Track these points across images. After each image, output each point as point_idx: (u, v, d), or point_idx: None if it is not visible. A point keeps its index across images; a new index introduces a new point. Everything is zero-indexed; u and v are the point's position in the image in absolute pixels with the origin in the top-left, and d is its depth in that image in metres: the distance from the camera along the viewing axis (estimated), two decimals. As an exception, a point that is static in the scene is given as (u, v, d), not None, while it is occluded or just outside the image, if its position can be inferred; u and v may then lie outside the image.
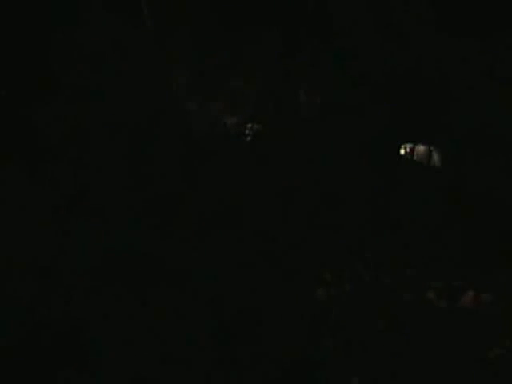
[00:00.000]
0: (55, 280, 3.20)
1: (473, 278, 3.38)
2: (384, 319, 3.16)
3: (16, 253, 3.20)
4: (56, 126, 3.57)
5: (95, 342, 2.97)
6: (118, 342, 2.98)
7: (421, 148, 3.97)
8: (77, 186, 3.45)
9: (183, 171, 3.75)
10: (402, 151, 4.00)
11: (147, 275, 3.30)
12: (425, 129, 3.93)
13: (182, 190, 3.65)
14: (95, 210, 3.41)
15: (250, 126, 4.01)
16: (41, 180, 3.43)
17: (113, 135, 3.65)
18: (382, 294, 3.35)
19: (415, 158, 3.98)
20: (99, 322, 3.05)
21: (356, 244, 3.62)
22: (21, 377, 2.82)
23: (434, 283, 3.42)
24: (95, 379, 2.82)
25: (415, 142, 3.98)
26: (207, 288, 3.28)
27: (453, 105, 3.81)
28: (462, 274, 3.42)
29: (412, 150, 3.99)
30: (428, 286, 3.41)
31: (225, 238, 3.51)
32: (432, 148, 3.95)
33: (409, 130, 3.95)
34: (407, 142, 3.99)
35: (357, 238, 3.65)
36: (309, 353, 2.96)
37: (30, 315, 3.03)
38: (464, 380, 2.91)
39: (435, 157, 3.94)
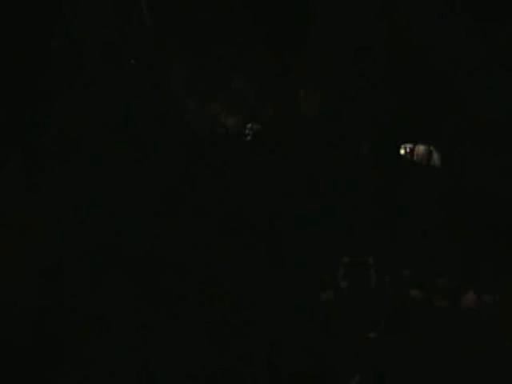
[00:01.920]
0: (56, 276, 3.20)
1: (473, 278, 3.39)
2: (385, 319, 3.17)
3: (16, 250, 3.20)
4: (55, 125, 3.57)
5: (95, 338, 2.97)
6: (118, 338, 2.99)
7: (421, 148, 3.97)
8: (77, 186, 3.45)
9: (183, 171, 3.74)
10: (402, 151, 4.00)
11: (148, 271, 3.31)
12: (425, 129, 3.93)
13: (182, 189, 3.64)
14: (97, 208, 3.41)
15: (249, 126, 4.00)
16: (41, 180, 3.42)
17: (112, 135, 3.65)
18: (382, 295, 3.35)
19: (415, 158, 3.98)
20: (99, 317, 3.06)
21: (356, 244, 3.62)
22: (19, 372, 2.82)
23: (434, 283, 3.42)
24: (94, 375, 2.83)
25: (415, 142, 3.98)
26: (208, 288, 3.28)
27: (453, 98, 3.81)
28: (462, 273, 3.42)
29: (412, 150, 3.98)
30: (428, 285, 3.41)
31: (225, 238, 3.51)
32: (432, 148, 3.94)
33: (409, 130, 3.95)
34: (407, 142, 3.99)
35: (357, 237, 3.65)
36: (310, 352, 2.97)
37: (30, 311, 3.03)
38: (464, 380, 2.91)
39: (435, 157, 3.93)
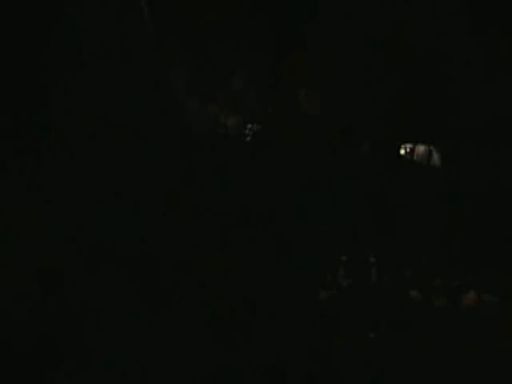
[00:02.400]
0: (55, 275, 3.20)
1: (473, 277, 3.39)
2: (385, 319, 3.17)
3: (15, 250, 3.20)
4: (54, 125, 3.57)
5: (92, 338, 2.97)
6: (118, 337, 2.98)
7: (421, 148, 3.97)
8: (76, 184, 3.45)
9: (183, 170, 3.74)
10: (402, 151, 4.00)
11: (148, 270, 3.30)
12: (425, 129, 3.93)
13: (182, 188, 3.64)
14: (96, 206, 3.41)
15: (249, 126, 4.00)
16: (40, 179, 3.42)
17: (112, 134, 3.65)
18: (382, 294, 3.35)
19: (415, 158, 3.98)
20: (96, 316, 3.06)
21: (356, 244, 3.62)
22: (18, 372, 2.81)
23: (434, 283, 3.42)
24: (93, 375, 2.82)
25: (415, 142, 3.98)
26: (208, 287, 3.28)
27: (453, 96, 3.81)
28: (463, 273, 3.42)
29: (412, 150, 3.98)
30: (428, 285, 3.41)
31: (225, 238, 3.51)
32: (432, 148, 3.94)
33: (409, 130, 3.95)
34: (407, 141, 3.99)
35: (357, 237, 3.65)
36: (310, 352, 2.96)
37: (28, 310, 3.03)
38: (464, 380, 2.91)
39: (435, 157, 3.93)
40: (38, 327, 2.98)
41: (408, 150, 3.98)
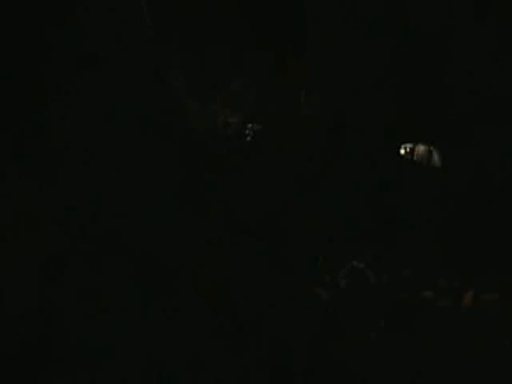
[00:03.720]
0: (56, 271, 3.21)
1: (473, 277, 3.39)
2: (384, 319, 3.17)
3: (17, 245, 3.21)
4: (56, 126, 3.58)
5: (87, 340, 2.97)
6: (119, 336, 2.99)
7: (421, 148, 3.97)
8: (79, 183, 3.46)
9: (183, 170, 3.75)
10: (402, 151, 4.00)
11: (149, 270, 3.31)
12: (425, 128, 3.94)
13: (182, 188, 3.65)
14: (98, 205, 3.42)
15: (250, 126, 4.01)
16: (44, 178, 3.43)
17: (113, 134, 3.66)
18: (382, 294, 3.36)
19: (415, 158, 3.98)
20: (91, 318, 3.06)
21: (356, 243, 3.62)
22: (18, 370, 2.82)
23: (434, 283, 3.42)
24: (95, 374, 2.83)
25: (415, 142, 3.98)
26: (209, 287, 3.29)
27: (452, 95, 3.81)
28: (462, 273, 3.42)
29: (412, 150, 3.99)
30: (428, 285, 3.41)
31: (226, 237, 3.52)
32: (432, 148, 3.95)
33: (409, 130, 3.95)
34: (407, 141, 3.99)
35: (357, 237, 3.65)
36: (309, 352, 2.97)
37: (29, 307, 3.04)
38: (464, 379, 2.92)
39: (435, 157, 3.93)
40: (37, 323, 2.99)
41: (408, 149, 3.98)
